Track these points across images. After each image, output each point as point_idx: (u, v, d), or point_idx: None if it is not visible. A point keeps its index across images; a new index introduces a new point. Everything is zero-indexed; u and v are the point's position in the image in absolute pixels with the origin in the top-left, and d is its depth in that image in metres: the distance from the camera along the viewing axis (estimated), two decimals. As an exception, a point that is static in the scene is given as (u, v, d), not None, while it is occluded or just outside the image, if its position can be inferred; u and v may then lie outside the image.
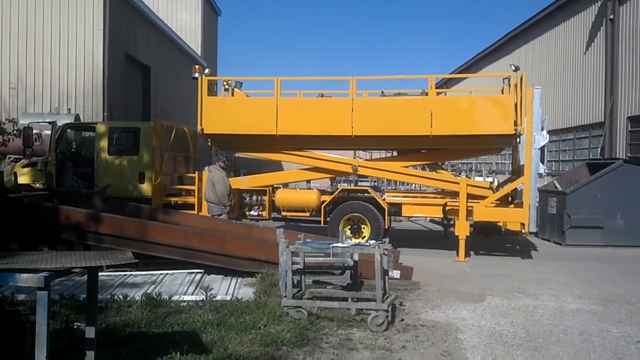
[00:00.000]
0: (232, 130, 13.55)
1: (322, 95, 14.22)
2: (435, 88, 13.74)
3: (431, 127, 12.73)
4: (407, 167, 14.08)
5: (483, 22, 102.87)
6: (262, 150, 14.25)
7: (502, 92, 13.42)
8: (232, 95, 14.31)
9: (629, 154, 18.90)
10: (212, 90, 14.08)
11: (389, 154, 16.52)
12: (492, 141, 13.40)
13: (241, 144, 14.25)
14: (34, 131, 14.09)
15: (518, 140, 13.26)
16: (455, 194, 13.18)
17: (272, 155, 14.34)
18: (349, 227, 13.62)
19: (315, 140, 13.67)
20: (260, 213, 14.31)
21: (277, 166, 18.45)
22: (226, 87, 14.49)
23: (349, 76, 13.42)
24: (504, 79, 13.49)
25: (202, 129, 13.59)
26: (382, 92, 14.19)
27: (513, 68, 12.74)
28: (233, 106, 13.95)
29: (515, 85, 12.58)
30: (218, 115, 13.57)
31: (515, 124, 12.37)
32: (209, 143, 14.56)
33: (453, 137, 12.90)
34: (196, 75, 13.65)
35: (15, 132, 11.80)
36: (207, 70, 14.02)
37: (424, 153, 13.90)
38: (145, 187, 14.20)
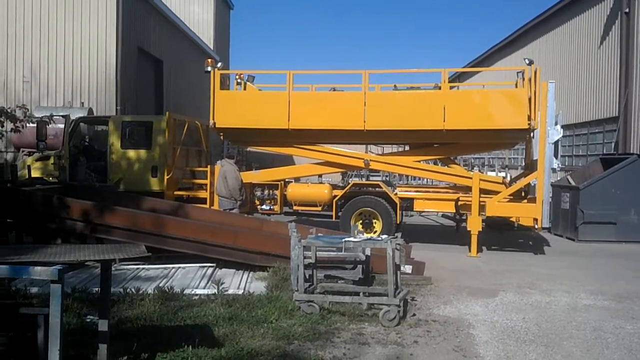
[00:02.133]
0: (245, 124, 13.54)
1: (334, 89, 14.18)
2: (448, 82, 13.66)
3: (444, 121, 12.65)
4: (420, 161, 14.02)
5: (497, 16, 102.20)
6: (274, 145, 14.23)
7: (516, 86, 13.32)
8: (245, 89, 14.28)
9: (643, 149, 18.74)
10: (224, 84, 14.08)
11: (400, 149, 16.47)
12: (506, 136, 13.31)
13: (253, 138, 14.25)
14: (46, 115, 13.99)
15: (532, 134, 13.17)
16: (467, 189, 13.12)
17: (284, 149, 14.32)
18: (361, 221, 13.61)
19: (327, 135, 13.63)
20: (271, 207, 14.32)
21: (288, 160, 18.43)
22: (238, 81, 14.46)
23: (362, 70, 13.39)
24: (517, 72, 13.39)
25: (215, 123, 13.59)
26: (395, 86, 14.12)
27: (527, 62, 12.62)
28: (245, 100, 13.93)
29: (529, 79, 12.47)
30: (230, 109, 13.57)
31: (529, 118, 12.28)
32: (221, 137, 14.56)
33: (466, 132, 12.81)
34: (209, 69, 13.65)
35: (27, 118, 11.79)
36: (219, 64, 14.01)
37: (437, 147, 13.81)
38: (158, 181, 14.25)
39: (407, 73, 21.62)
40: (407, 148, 14.88)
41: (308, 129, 13.35)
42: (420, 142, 13.82)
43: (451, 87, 14.64)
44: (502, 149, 20.74)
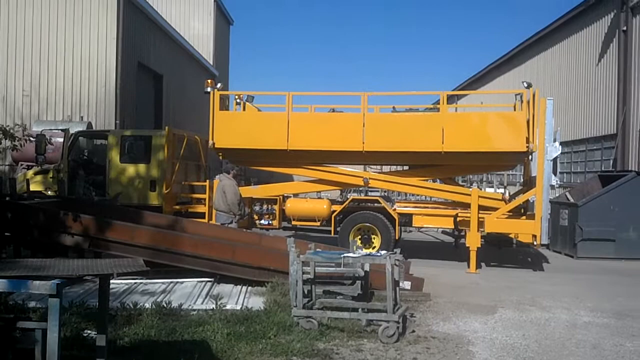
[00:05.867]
0: (244, 145, 13.54)
1: (333, 111, 14.22)
2: (446, 97, 13.68)
3: (442, 143, 12.69)
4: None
5: (494, 33, 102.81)
6: (274, 165, 14.23)
7: (514, 109, 13.37)
8: (244, 109, 14.30)
9: (641, 166, 18.75)
10: (223, 103, 14.09)
11: (399, 168, 16.47)
12: (504, 158, 13.33)
13: (252, 158, 14.18)
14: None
15: (530, 157, 13.19)
16: (466, 205, 13.11)
17: (283, 169, 14.34)
18: (359, 237, 13.59)
19: (326, 155, 13.62)
20: (270, 222, 14.30)
21: (287, 176, 18.44)
22: (238, 101, 14.49)
23: (361, 91, 13.46)
24: (516, 95, 13.43)
25: (214, 143, 13.58)
26: (394, 108, 14.16)
27: (525, 85, 12.66)
28: (245, 121, 13.97)
29: (528, 102, 12.51)
30: (229, 129, 13.56)
31: (527, 141, 12.31)
32: (221, 157, 14.50)
33: (464, 154, 12.84)
34: (208, 89, 13.67)
35: (26, 136, 11.80)
36: (219, 85, 14.04)
37: (435, 168, 13.82)
38: (156, 195, 14.25)
39: (406, 95, 21.42)
40: (406, 167, 14.90)
41: (307, 150, 13.35)
42: (419, 163, 13.83)
43: (449, 105, 14.64)
44: (500, 170, 20.80)
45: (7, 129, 11.27)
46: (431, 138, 12.77)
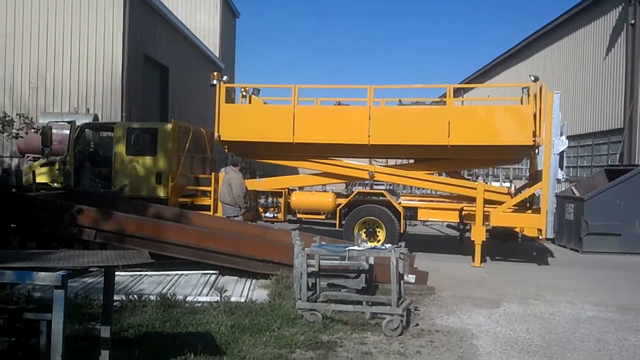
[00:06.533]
0: (249, 138, 13.51)
1: (339, 104, 14.18)
2: (453, 89, 13.63)
3: (449, 137, 12.64)
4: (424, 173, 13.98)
5: (502, 26, 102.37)
6: (279, 158, 14.20)
7: (521, 102, 13.31)
8: (250, 102, 14.29)
9: (648, 161, 18.67)
10: (229, 96, 14.07)
11: (405, 161, 16.43)
12: (510, 152, 13.29)
13: (258, 151, 14.15)
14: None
15: (537, 151, 13.14)
16: (472, 199, 13.08)
17: (288, 162, 14.33)
18: (364, 230, 13.59)
19: (332, 149, 13.59)
20: (275, 215, 14.31)
21: (292, 169, 18.46)
22: (244, 94, 14.48)
23: (367, 85, 13.38)
24: (523, 89, 13.36)
25: (219, 136, 13.58)
26: (400, 101, 14.11)
27: (532, 78, 12.59)
28: (250, 113, 13.95)
29: (535, 96, 12.45)
30: (235, 122, 13.54)
31: (534, 134, 12.25)
32: (226, 150, 14.49)
33: (470, 147, 12.79)
34: (214, 82, 13.66)
35: (26, 123, 11.71)
36: (225, 77, 14.02)
37: (441, 162, 13.78)
38: (162, 188, 14.26)
39: (412, 88, 21.37)
40: (411, 161, 14.86)
41: (313, 143, 13.32)
42: (425, 157, 13.80)
43: (456, 99, 14.59)
44: (506, 164, 20.74)
45: (7, 117, 11.25)
46: (437, 131, 12.72)
